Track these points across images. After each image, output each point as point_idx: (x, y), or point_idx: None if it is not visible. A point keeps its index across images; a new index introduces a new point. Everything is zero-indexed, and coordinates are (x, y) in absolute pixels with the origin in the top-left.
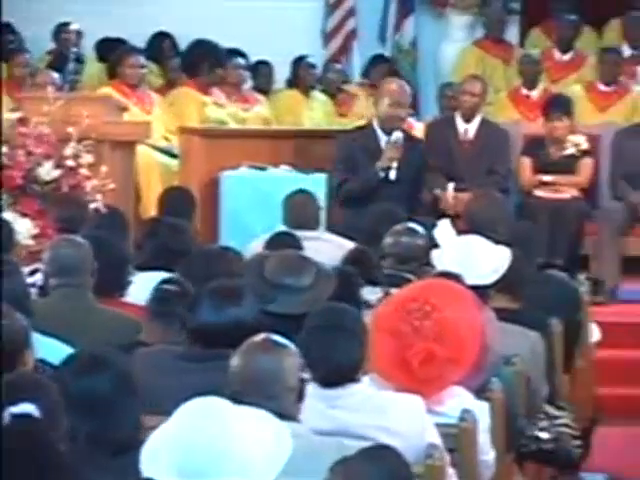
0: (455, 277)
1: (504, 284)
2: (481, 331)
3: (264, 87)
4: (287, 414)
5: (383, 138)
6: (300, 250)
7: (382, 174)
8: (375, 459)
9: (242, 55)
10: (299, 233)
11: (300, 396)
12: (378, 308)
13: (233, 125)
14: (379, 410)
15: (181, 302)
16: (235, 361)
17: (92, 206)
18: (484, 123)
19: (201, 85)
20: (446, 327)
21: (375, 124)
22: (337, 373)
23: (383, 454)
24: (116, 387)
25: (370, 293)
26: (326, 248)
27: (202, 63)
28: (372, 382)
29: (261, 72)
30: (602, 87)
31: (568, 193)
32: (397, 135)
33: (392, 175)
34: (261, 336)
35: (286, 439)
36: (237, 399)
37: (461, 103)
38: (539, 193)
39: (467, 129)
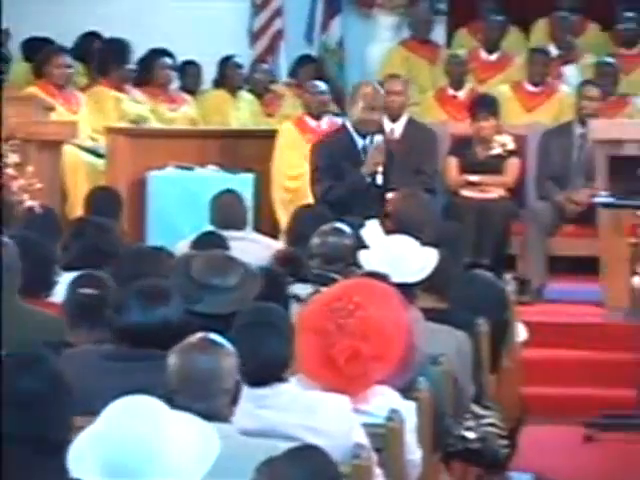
0: (382, 277)
1: (431, 284)
2: (406, 329)
3: (192, 87)
4: (219, 415)
5: (360, 141)
6: (226, 250)
7: (369, 179)
8: (301, 459)
9: (169, 55)
10: (226, 233)
11: (235, 399)
12: (303, 308)
13: (157, 123)
14: (306, 410)
15: (102, 302)
16: (172, 360)
17: (26, 205)
18: (410, 123)
19: (113, 83)
20: (370, 325)
21: (349, 127)
22: (265, 371)
23: (309, 454)
24: (52, 386)
25: (301, 289)
26: (253, 248)
27: (110, 61)
28: (299, 382)
29: (189, 72)
30: (530, 87)
31: (495, 193)
32: (379, 139)
33: (379, 180)
34: (199, 335)
35: (213, 440)
36: (171, 398)
37: (386, 103)
38: (466, 193)
39: (393, 129)
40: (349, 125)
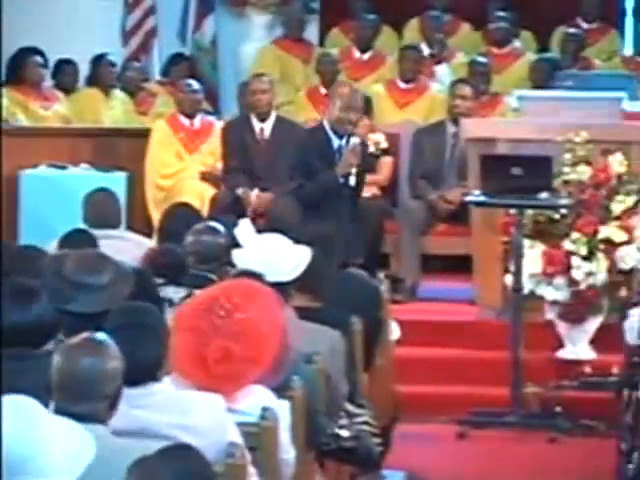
0: (257, 276)
1: (304, 283)
2: (282, 332)
3: (68, 86)
4: (97, 418)
5: (336, 141)
6: (95, 248)
7: (342, 180)
8: (173, 458)
9: (40, 53)
10: (99, 232)
11: (114, 403)
12: (182, 307)
13: (25, 120)
14: (180, 409)
15: None
16: (57, 358)
17: None
18: (279, 121)
19: None
20: (246, 327)
21: (326, 126)
22: (138, 371)
23: (182, 453)
24: None
25: (174, 292)
26: (126, 247)
27: None
28: (172, 382)
29: (65, 71)
30: (402, 85)
31: (368, 192)
32: (355, 141)
33: (352, 181)
34: (85, 335)
35: (88, 441)
36: (51, 399)
37: (252, 102)
38: None
39: (263, 128)
40: (326, 124)
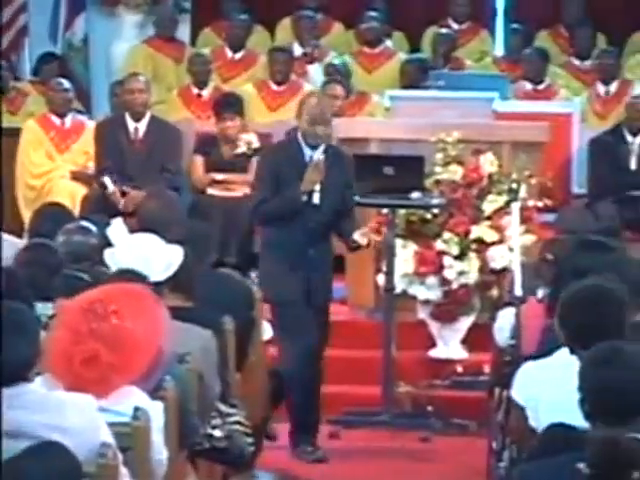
0: (139, 276)
1: (177, 283)
2: (160, 343)
3: None
4: None
5: (308, 152)
6: None
7: (305, 198)
8: (42, 456)
9: None
10: None
11: None
12: (65, 304)
13: None
14: (52, 409)
15: None
16: None
17: None
18: (153, 121)
19: None
20: (121, 334)
21: (299, 137)
22: (9, 371)
23: (50, 452)
24: None
25: (43, 309)
26: None
27: None
28: (44, 382)
29: None
30: (274, 86)
31: (240, 191)
32: (318, 157)
33: (316, 199)
34: None
35: None
36: None
37: (128, 102)
38: (211, 192)
39: (137, 127)
40: (299, 135)
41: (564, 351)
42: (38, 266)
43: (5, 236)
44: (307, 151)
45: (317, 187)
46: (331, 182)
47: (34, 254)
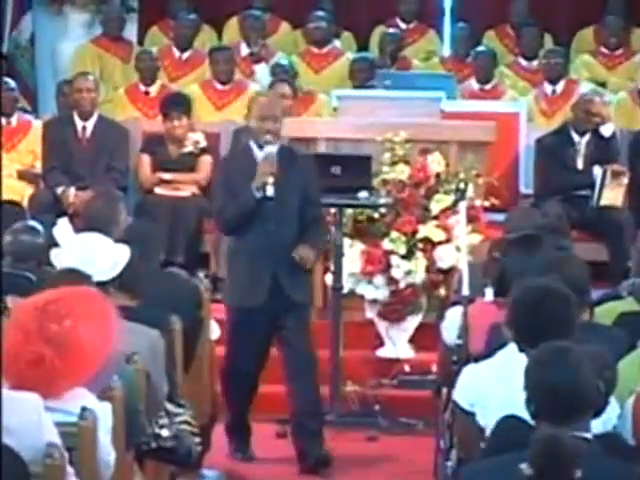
0: (83, 276)
1: (123, 282)
2: (109, 351)
3: None
4: None
5: (259, 153)
6: None
7: (259, 193)
8: None
9: None
10: None
11: None
12: (20, 303)
13: None
14: None
15: None
16: None
17: None
18: (101, 120)
19: None
20: (71, 338)
21: (251, 142)
22: None
23: None
24: None
25: None
26: None
27: None
28: None
29: None
30: (219, 86)
31: (188, 191)
32: (269, 149)
33: (269, 192)
34: None
35: None
36: None
37: (77, 101)
38: (159, 191)
39: (85, 127)
40: (251, 141)
41: (509, 349)
42: None
43: None
44: (259, 153)
45: (270, 180)
46: (286, 181)
47: None
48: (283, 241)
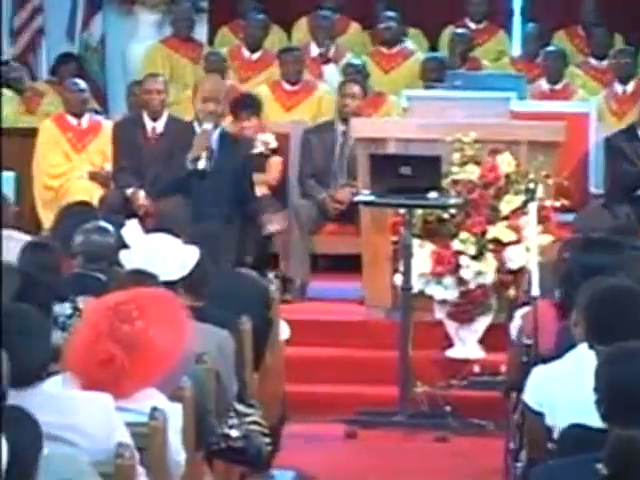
0: (150, 276)
1: (191, 282)
2: (180, 355)
3: None
4: None
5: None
6: None
7: (191, 166)
8: None
9: None
10: None
11: None
12: (92, 302)
13: None
14: (64, 409)
15: None
16: None
17: None
18: (171, 120)
19: None
20: (143, 339)
21: (195, 122)
22: (23, 373)
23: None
24: None
25: (60, 309)
26: (15, 247)
27: None
28: (63, 380)
29: None
30: (287, 86)
31: (258, 191)
32: (206, 125)
33: (201, 165)
34: None
35: None
36: None
37: (146, 102)
38: None
39: (155, 127)
40: (195, 121)
41: (579, 349)
42: (37, 267)
43: (23, 236)
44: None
45: (204, 154)
46: (222, 161)
47: (31, 255)
48: (215, 211)
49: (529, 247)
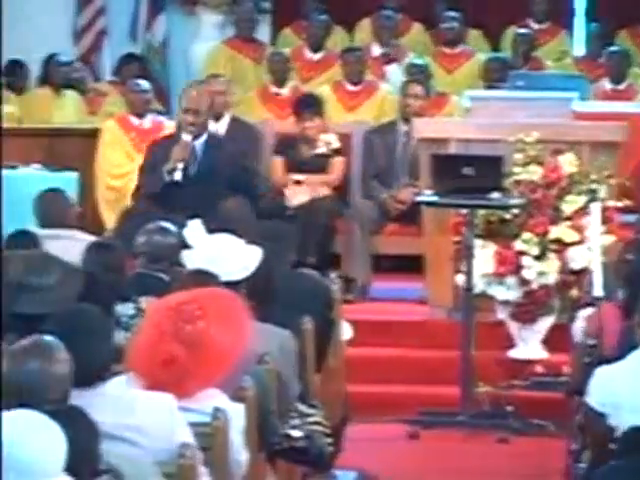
0: (211, 276)
1: (254, 282)
2: (241, 355)
3: (19, 86)
4: None
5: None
6: (38, 248)
7: (167, 177)
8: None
9: None
10: (49, 232)
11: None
12: (154, 302)
13: None
14: (126, 409)
15: None
16: (4, 363)
17: None
18: (234, 121)
19: None
20: (204, 340)
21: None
22: (86, 373)
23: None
24: None
25: (123, 309)
26: (78, 247)
27: None
28: (127, 380)
29: (16, 72)
30: (349, 87)
31: (320, 192)
32: (185, 137)
33: (177, 176)
34: (32, 339)
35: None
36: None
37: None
38: (290, 192)
39: (217, 128)
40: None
41: None
42: (100, 267)
43: (85, 236)
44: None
45: (180, 166)
46: (204, 166)
47: (95, 255)
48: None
49: (592, 247)
